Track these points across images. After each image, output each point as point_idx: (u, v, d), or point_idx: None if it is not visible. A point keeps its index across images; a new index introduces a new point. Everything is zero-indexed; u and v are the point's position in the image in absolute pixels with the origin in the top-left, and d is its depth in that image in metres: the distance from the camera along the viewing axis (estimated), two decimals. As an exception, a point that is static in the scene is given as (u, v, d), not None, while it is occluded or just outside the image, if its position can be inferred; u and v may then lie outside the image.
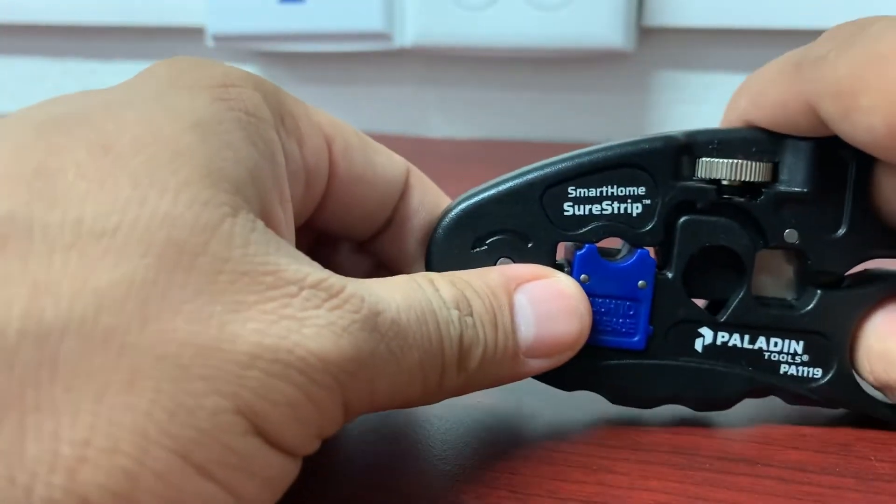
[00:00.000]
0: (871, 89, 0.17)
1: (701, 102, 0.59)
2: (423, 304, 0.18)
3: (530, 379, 0.24)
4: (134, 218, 0.14)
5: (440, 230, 0.21)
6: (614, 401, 0.22)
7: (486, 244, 0.21)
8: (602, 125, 0.61)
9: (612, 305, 0.21)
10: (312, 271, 0.16)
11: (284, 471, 0.15)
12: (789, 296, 0.22)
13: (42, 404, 0.12)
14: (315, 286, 0.15)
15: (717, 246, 0.21)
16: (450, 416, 0.22)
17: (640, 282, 0.21)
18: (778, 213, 0.21)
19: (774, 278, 0.22)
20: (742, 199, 0.21)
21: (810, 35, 0.21)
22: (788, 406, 0.22)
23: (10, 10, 0.68)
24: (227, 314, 0.14)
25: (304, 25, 0.61)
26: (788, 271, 0.22)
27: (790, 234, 0.21)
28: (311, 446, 0.16)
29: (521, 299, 0.19)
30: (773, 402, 0.23)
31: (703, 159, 0.20)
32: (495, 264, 0.21)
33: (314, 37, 0.61)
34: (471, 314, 0.18)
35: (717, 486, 0.19)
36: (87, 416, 0.12)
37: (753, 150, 0.20)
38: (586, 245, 0.21)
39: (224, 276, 0.14)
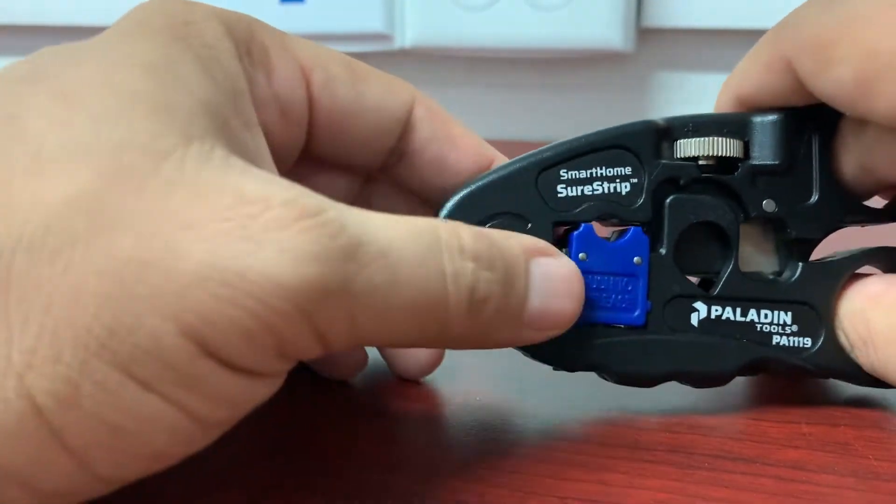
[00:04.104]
0: (846, 43, 0.19)
1: (700, 102, 0.59)
2: (427, 245, 0.17)
3: (531, 377, 0.25)
4: (88, 144, 0.14)
5: (443, 217, 0.21)
6: (617, 379, 0.22)
7: (488, 227, 0.21)
8: (602, 125, 0.61)
9: (611, 282, 0.22)
10: (284, 191, 0.15)
11: (244, 390, 0.15)
12: (773, 267, 0.23)
13: None
14: (284, 205, 0.15)
15: (704, 222, 0.22)
16: (450, 415, 0.22)
17: (636, 258, 0.22)
18: (754, 185, 0.22)
19: (759, 252, 0.23)
20: (721, 175, 0.22)
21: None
22: (787, 404, 0.23)
23: (8, 11, 0.68)
24: (177, 232, 0.14)
25: (304, 26, 0.61)
26: (770, 244, 0.23)
27: (768, 204, 0.22)
28: (276, 369, 0.16)
29: (535, 271, 0.19)
30: (772, 401, 0.23)
31: (681, 140, 0.22)
32: None
33: (314, 37, 0.61)
34: (490, 269, 0.18)
35: (716, 485, 0.19)
36: (35, 327, 0.13)
37: (725, 130, 0.22)
38: (582, 224, 0.22)
39: (176, 197, 0.14)
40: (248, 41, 0.19)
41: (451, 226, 0.18)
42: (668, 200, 0.22)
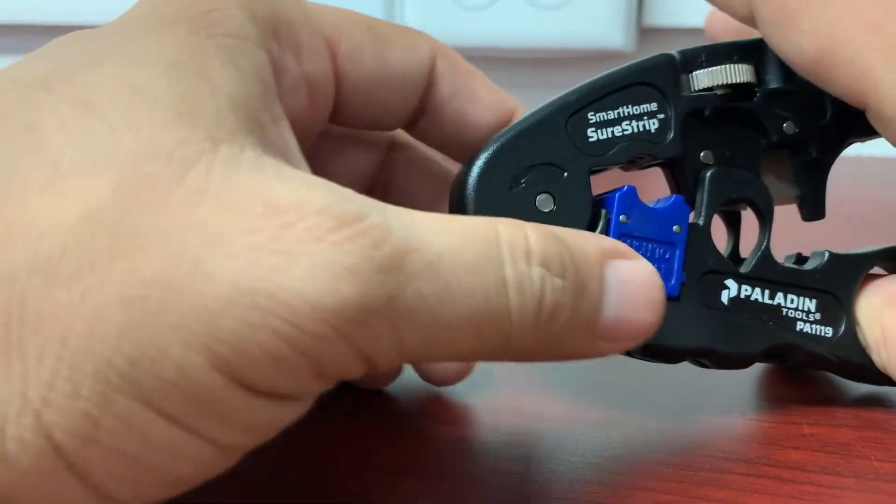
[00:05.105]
0: (816, 17, 0.19)
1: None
2: (484, 250, 0.15)
3: (532, 378, 0.24)
4: (108, 157, 0.13)
5: (473, 176, 0.20)
6: (642, 351, 0.21)
7: (523, 182, 0.20)
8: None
9: (648, 248, 0.21)
10: (320, 196, 0.14)
11: (274, 415, 0.14)
12: (795, 191, 0.23)
13: (12, 347, 0.12)
14: (320, 213, 0.14)
15: (742, 198, 0.22)
16: (450, 416, 0.22)
17: (675, 226, 0.21)
18: (773, 108, 0.22)
19: (779, 179, 0.23)
20: (741, 102, 0.22)
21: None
22: (788, 405, 0.22)
23: (10, 11, 0.68)
24: (203, 249, 0.13)
25: (304, 25, 0.61)
26: (789, 170, 0.23)
27: (789, 126, 0.22)
28: (313, 390, 0.15)
29: (611, 276, 0.17)
30: (773, 401, 0.23)
31: (696, 72, 0.22)
32: (535, 201, 0.20)
33: (314, 37, 0.61)
34: (562, 276, 0.16)
35: (717, 486, 0.19)
36: (51, 360, 0.12)
37: (735, 57, 0.22)
38: (626, 185, 0.21)
39: (203, 209, 0.13)
40: (274, 22, 0.18)
41: (514, 226, 0.16)
42: (707, 173, 0.22)
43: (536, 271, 0.16)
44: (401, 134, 0.24)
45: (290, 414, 0.15)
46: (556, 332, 0.16)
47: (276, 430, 0.15)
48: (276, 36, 0.18)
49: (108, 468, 0.13)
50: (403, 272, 0.14)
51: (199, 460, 0.14)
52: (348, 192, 0.15)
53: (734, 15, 0.22)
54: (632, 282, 0.18)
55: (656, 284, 0.18)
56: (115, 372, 0.13)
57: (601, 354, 0.18)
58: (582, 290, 0.17)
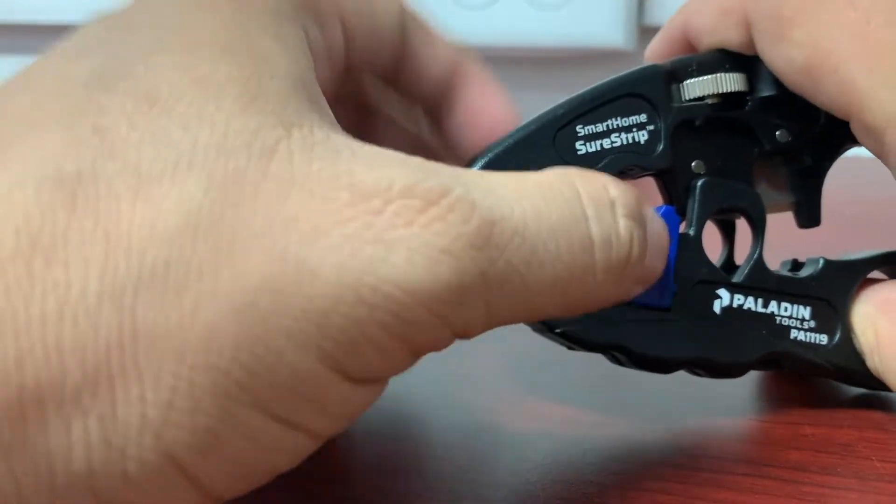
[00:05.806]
0: (807, 26, 0.19)
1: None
2: (566, 207, 0.15)
3: (531, 378, 0.24)
4: (190, 156, 0.13)
5: None
6: (635, 362, 0.21)
7: None
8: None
9: None
10: (400, 174, 0.14)
11: (368, 398, 0.15)
12: (790, 199, 0.23)
13: (127, 368, 0.12)
14: (405, 194, 0.14)
15: (734, 207, 0.22)
16: (449, 417, 0.22)
17: None
18: (766, 116, 0.22)
19: (773, 188, 0.23)
20: (732, 111, 0.22)
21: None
22: (789, 405, 0.22)
23: (9, 10, 0.68)
24: (304, 246, 0.13)
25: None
26: (783, 178, 0.23)
27: (782, 134, 0.22)
28: (404, 368, 0.15)
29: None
30: (774, 402, 0.23)
31: (687, 81, 0.22)
32: None
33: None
34: (641, 225, 0.17)
35: (717, 487, 0.19)
36: (169, 378, 0.12)
37: (727, 66, 0.22)
38: None
39: (293, 201, 0.13)
40: None
41: (591, 178, 0.16)
42: (698, 183, 0.22)
43: (623, 223, 0.16)
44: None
45: (377, 394, 0.15)
46: (626, 280, 0.17)
47: (362, 413, 0.15)
48: (305, 8, 0.18)
49: (220, 473, 0.13)
50: (493, 245, 0.14)
51: (297, 452, 0.14)
52: (422, 163, 0.15)
53: (732, 44, 0.21)
54: (654, 229, 0.18)
55: (666, 232, 0.19)
56: (234, 383, 0.13)
57: (629, 298, 0.18)
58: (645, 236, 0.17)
